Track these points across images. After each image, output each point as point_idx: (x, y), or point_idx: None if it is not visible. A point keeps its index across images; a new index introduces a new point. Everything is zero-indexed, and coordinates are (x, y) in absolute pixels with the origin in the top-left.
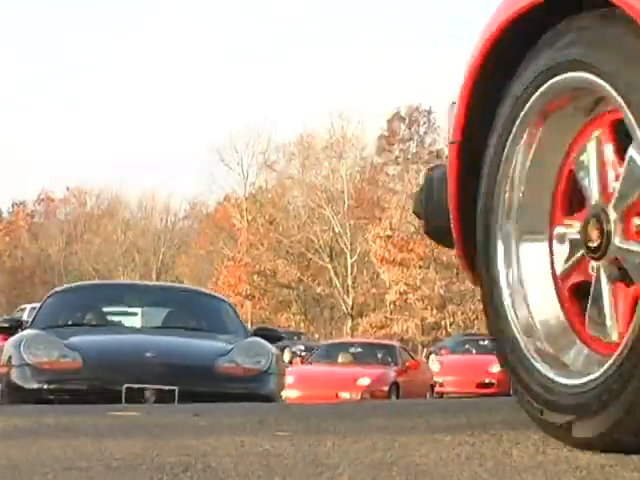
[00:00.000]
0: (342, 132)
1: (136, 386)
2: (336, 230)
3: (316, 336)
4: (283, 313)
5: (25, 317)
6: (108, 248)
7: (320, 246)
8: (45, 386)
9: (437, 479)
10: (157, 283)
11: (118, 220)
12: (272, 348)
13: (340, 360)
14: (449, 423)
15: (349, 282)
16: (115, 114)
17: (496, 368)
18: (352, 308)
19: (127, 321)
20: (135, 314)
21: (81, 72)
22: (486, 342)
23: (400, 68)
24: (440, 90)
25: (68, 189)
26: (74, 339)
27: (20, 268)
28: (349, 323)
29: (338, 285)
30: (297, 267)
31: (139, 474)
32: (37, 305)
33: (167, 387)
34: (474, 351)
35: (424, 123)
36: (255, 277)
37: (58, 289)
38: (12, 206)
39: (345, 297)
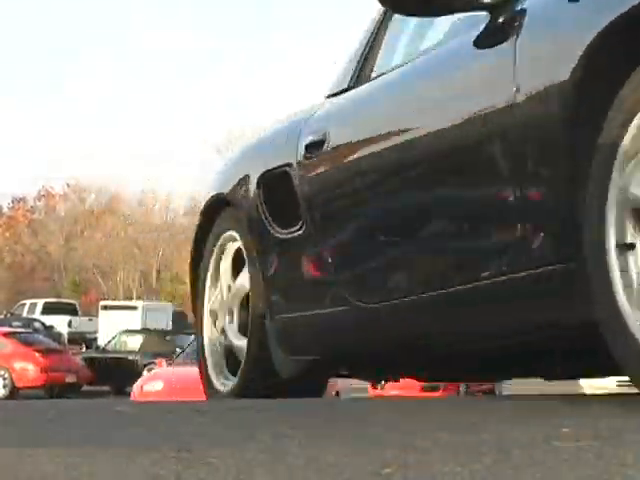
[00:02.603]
0: None
1: None
2: None
3: None
4: None
5: (25, 314)
6: (108, 244)
7: None
8: None
9: (437, 477)
10: None
11: (118, 216)
12: None
13: None
14: (449, 421)
15: None
16: (115, 111)
17: None
18: None
19: None
20: None
21: (80, 68)
22: None
23: None
24: None
25: (68, 185)
26: None
27: (20, 264)
28: None
29: None
30: None
31: (139, 471)
32: (37, 301)
33: None
34: None
35: None
36: None
37: None
38: (12, 202)
39: None
